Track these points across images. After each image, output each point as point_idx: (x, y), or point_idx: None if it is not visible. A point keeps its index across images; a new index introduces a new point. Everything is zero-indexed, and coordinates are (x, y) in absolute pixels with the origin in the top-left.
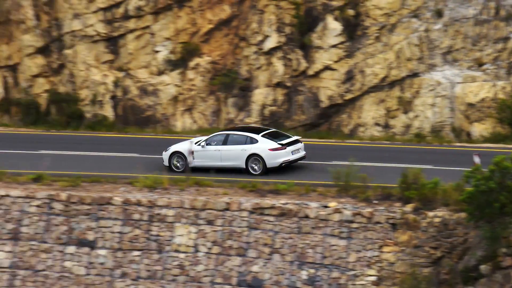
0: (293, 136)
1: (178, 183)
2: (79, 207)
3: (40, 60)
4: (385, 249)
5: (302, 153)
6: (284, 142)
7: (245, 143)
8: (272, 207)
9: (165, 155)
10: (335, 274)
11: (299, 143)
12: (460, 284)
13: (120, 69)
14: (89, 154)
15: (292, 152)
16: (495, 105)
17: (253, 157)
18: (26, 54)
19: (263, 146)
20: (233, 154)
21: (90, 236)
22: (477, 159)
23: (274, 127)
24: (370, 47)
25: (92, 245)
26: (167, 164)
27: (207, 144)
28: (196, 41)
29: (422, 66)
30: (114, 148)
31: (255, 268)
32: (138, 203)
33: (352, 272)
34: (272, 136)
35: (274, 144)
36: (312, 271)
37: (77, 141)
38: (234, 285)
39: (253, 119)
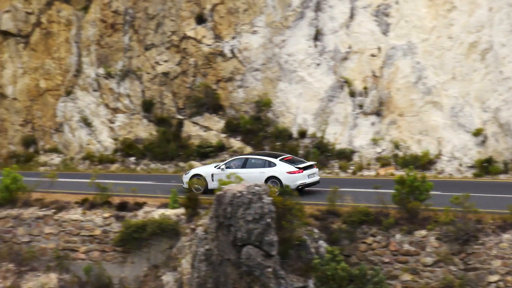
0: (309, 162)
1: None
2: None
3: None
4: None
5: (317, 177)
6: (301, 166)
7: (264, 167)
8: None
9: (185, 178)
10: None
11: (314, 168)
12: None
13: None
14: None
15: (308, 176)
16: None
17: (271, 180)
18: None
19: (281, 169)
20: (252, 176)
21: None
22: None
23: None
24: None
25: None
26: (186, 186)
27: (226, 168)
28: None
29: None
30: None
31: None
32: None
33: None
34: (289, 161)
35: (292, 168)
36: None
37: None
38: None
39: None
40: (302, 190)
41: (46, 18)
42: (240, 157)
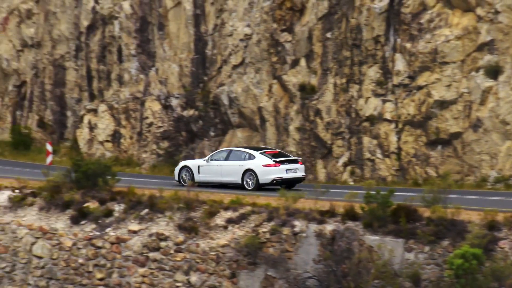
0: (294, 157)
1: None
2: None
3: None
4: None
5: (299, 174)
6: (278, 159)
7: (244, 159)
8: None
9: (176, 170)
10: None
11: (297, 164)
12: None
13: None
14: None
15: (286, 170)
16: None
17: (248, 172)
18: None
19: (258, 162)
20: (232, 169)
21: None
22: None
23: None
24: None
25: None
26: (177, 179)
27: (211, 160)
28: None
29: None
30: None
31: None
32: None
33: None
34: (271, 155)
35: (269, 161)
36: None
37: None
38: None
39: None
40: (280, 186)
41: None
42: (225, 149)
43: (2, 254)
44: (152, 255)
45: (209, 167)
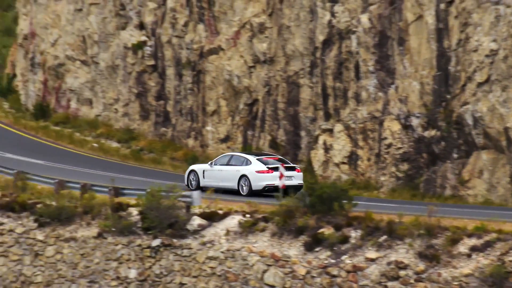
0: (291, 164)
1: None
2: None
3: None
4: None
5: (294, 181)
6: (272, 166)
7: (241, 165)
8: None
9: (185, 174)
10: None
11: (293, 171)
12: None
13: None
14: None
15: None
16: None
17: (244, 178)
18: None
19: (252, 168)
20: (230, 174)
21: None
22: None
23: None
24: None
25: None
26: (186, 183)
27: (214, 164)
28: None
29: None
30: None
31: None
32: None
33: None
34: (268, 161)
35: (262, 167)
36: None
37: None
38: None
39: None
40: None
41: None
42: (227, 154)
43: (232, 282)
44: (390, 284)
45: (213, 172)
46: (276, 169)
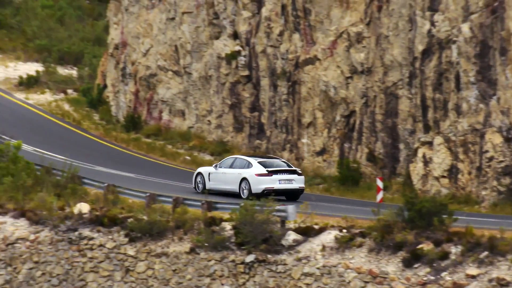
0: (294, 167)
1: None
2: None
3: None
4: None
5: (295, 185)
6: (271, 169)
7: (243, 167)
8: None
9: (193, 176)
10: None
11: (294, 175)
12: None
13: None
14: None
15: (279, 180)
16: None
17: (244, 181)
18: None
19: (252, 171)
20: (232, 177)
21: None
22: None
23: None
24: None
25: None
26: (194, 186)
27: (219, 167)
28: None
29: None
30: None
31: None
32: None
33: None
34: (269, 164)
35: (262, 170)
36: None
37: None
38: None
39: None
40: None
41: None
42: (231, 156)
43: None
44: None
45: (217, 174)
46: (275, 172)
